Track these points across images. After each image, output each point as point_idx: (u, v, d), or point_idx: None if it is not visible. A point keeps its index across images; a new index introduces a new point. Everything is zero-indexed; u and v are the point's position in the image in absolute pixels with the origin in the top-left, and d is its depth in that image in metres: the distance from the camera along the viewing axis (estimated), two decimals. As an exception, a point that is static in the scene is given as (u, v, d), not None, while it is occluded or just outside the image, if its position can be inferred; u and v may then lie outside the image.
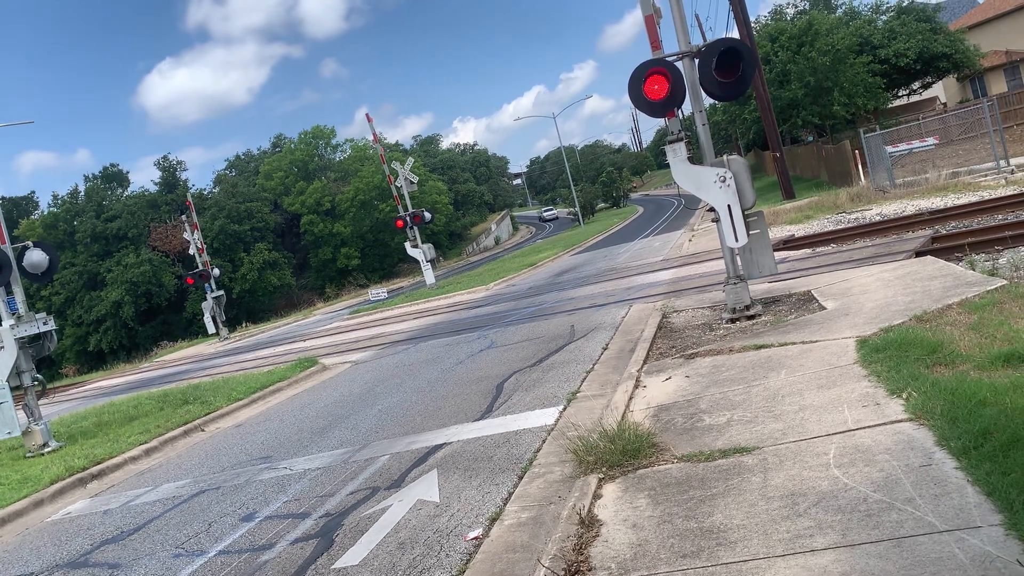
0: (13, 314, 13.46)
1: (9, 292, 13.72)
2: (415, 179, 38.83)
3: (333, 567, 5.66)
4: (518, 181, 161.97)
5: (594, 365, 10.49)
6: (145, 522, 8.29)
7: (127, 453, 11.88)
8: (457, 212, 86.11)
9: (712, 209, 10.58)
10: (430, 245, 39.13)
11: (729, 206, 10.11)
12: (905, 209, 20.75)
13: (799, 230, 21.93)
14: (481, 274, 38.87)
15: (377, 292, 42.09)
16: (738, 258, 10.83)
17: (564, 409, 8.49)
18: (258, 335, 39.86)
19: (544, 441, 7.49)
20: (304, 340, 27.89)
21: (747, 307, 10.76)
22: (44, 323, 13.70)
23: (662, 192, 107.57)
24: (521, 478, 6.60)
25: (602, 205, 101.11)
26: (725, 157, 10.41)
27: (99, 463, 11.42)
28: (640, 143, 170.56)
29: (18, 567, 7.80)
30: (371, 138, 46.33)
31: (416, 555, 5.51)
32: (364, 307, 36.73)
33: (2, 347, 13.19)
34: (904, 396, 5.84)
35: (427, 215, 38.36)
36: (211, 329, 41.19)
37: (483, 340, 15.67)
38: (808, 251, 17.31)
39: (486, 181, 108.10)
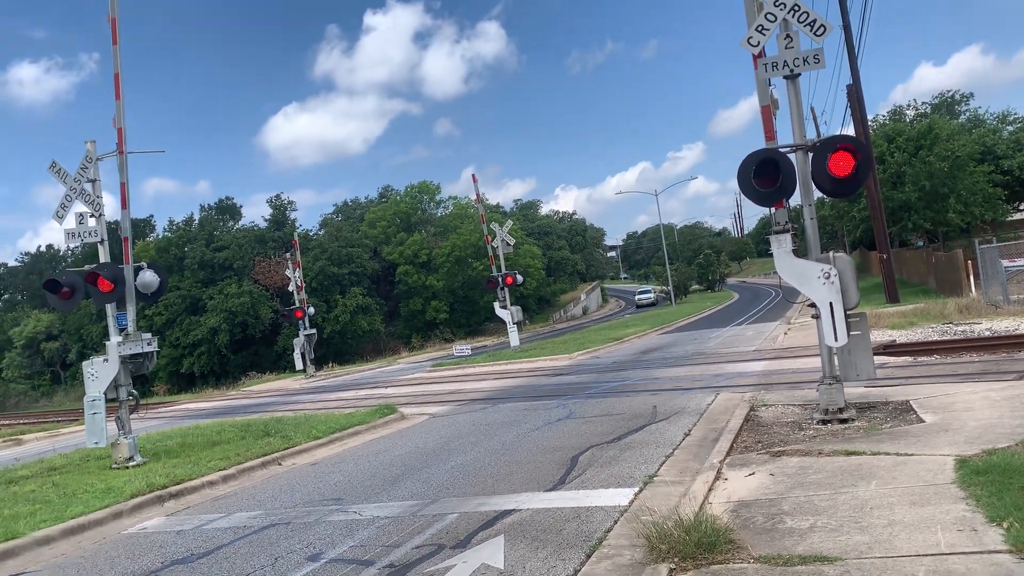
0: (122, 331, 14.17)
1: (121, 308, 14.48)
2: (512, 241, 39.44)
3: (392, 620, 5.63)
4: (612, 253, 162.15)
5: (674, 450, 10.25)
6: (214, 548, 8.46)
7: (206, 477, 12.20)
8: (548, 278, 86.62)
9: (812, 304, 10.33)
10: (518, 308, 39.44)
11: (831, 304, 9.86)
12: (1019, 327, 19.73)
13: (901, 336, 21.10)
14: (566, 342, 38.79)
15: (461, 348, 42.51)
16: (835, 358, 10.49)
17: (640, 491, 8.30)
18: (343, 376, 40.67)
19: (616, 522, 7.33)
20: (386, 387, 28.28)
21: (840, 410, 10.37)
22: (148, 344, 14.34)
23: (760, 280, 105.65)
24: (589, 556, 6.46)
25: (696, 287, 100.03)
26: (831, 254, 10.20)
27: (179, 483, 11.76)
28: (741, 229, 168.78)
29: (93, 575, 8.05)
30: (474, 197, 47.41)
31: (475, 620, 5.43)
32: (447, 361, 37.10)
33: (106, 360, 13.86)
34: (1005, 526, 5.49)
35: (519, 277, 38.81)
36: (299, 365, 42.31)
37: (562, 409, 15.56)
38: (909, 359, 16.62)
39: (581, 250, 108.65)
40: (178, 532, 9.49)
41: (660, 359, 24.34)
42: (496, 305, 38.43)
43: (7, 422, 37.63)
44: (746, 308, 56.22)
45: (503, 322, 42.35)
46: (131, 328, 14.16)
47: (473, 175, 54.38)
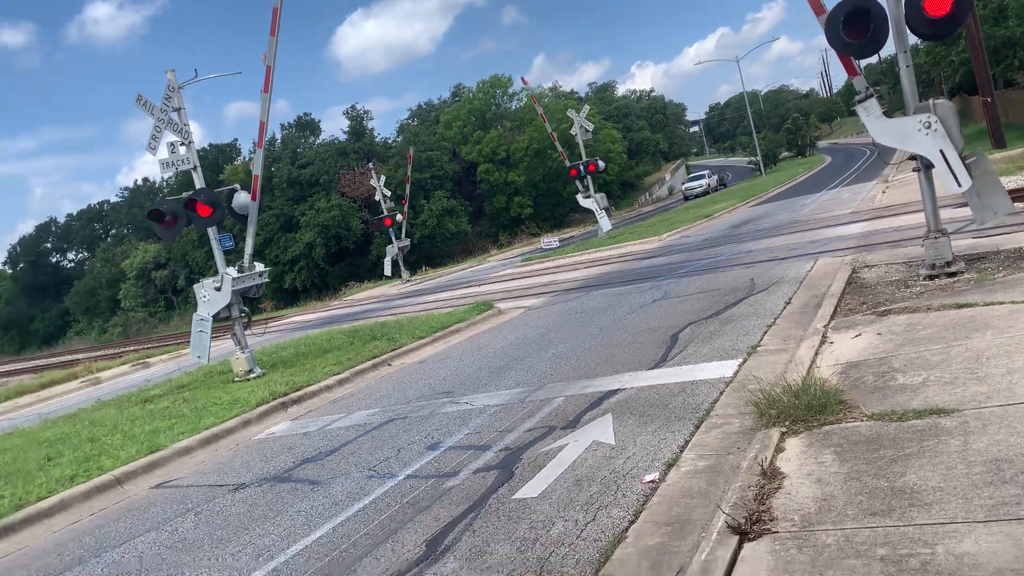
0: (228, 253, 14.75)
1: (222, 230, 15.07)
2: (590, 127, 38.65)
3: (513, 497, 5.93)
4: (695, 129, 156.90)
5: (776, 319, 10.16)
6: (340, 445, 9.00)
7: (322, 382, 12.86)
8: (630, 161, 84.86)
9: (913, 158, 9.85)
10: (603, 194, 38.99)
11: (942, 151, 9.32)
12: None
13: (1011, 182, 19.95)
14: (653, 224, 38.31)
15: (549, 241, 42.58)
16: (940, 211, 10.05)
17: (743, 362, 8.32)
18: (436, 278, 41.54)
19: (722, 393, 7.40)
20: (479, 285, 28.77)
21: (948, 263, 10.00)
22: (260, 276, 14.99)
23: (853, 140, 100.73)
24: (698, 427, 6.58)
25: (785, 154, 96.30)
26: (931, 101, 9.62)
27: (298, 389, 12.44)
28: (830, 88, 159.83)
29: (233, 477, 8.72)
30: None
31: (593, 492, 5.66)
32: (536, 255, 37.30)
33: (218, 288, 14.50)
34: None
35: (601, 164, 38.16)
36: (388, 272, 43.34)
37: (656, 291, 15.54)
38: (1019, 205, 15.75)
39: (662, 129, 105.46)
40: (304, 434, 10.11)
41: (753, 231, 23.83)
42: (579, 196, 38.03)
43: (133, 347, 40.20)
44: (840, 171, 53.97)
45: (588, 212, 42.06)
46: (246, 261, 14.74)
47: (523, 78, 53.05)
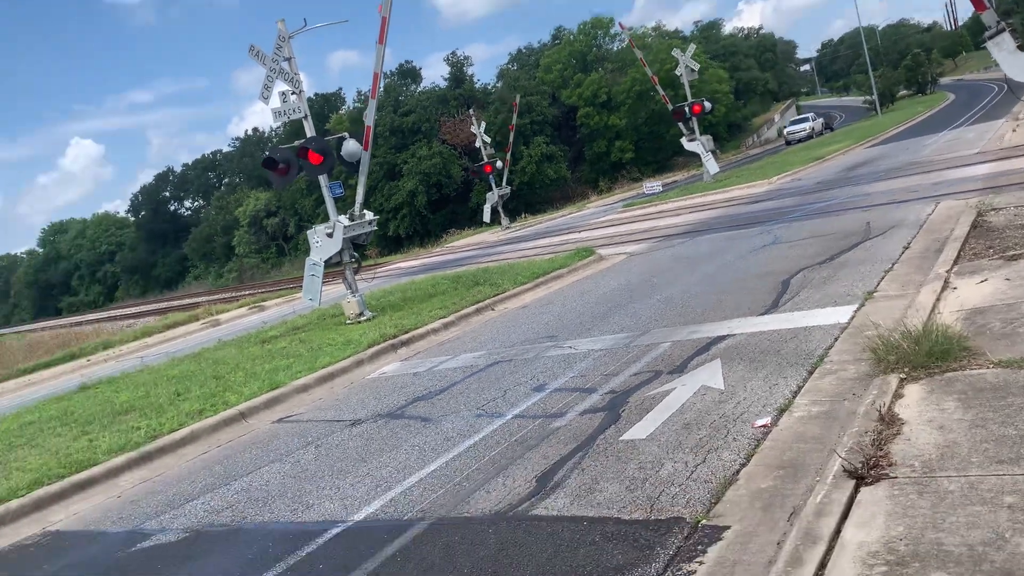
0: (338, 200, 15.17)
1: (332, 178, 15.50)
2: (695, 67, 37.49)
3: (621, 438, 5.99)
4: (806, 67, 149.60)
5: (894, 264, 9.76)
6: (448, 385, 9.26)
7: (429, 325, 13.19)
8: (737, 102, 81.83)
9: (1053, 91, 9.16)
10: (708, 136, 37.92)
11: (1087, 80, 8.67)
12: None
13: None
14: (762, 167, 37.09)
15: (651, 185, 41.82)
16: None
17: (860, 308, 8.05)
18: (536, 225, 41.59)
19: (836, 339, 7.21)
20: (579, 231, 28.66)
21: (1088, 205, 9.34)
22: (370, 223, 15.42)
23: (979, 76, 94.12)
24: (811, 374, 6.45)
25: (904, 92, 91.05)
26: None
27: (406, 332, 12.81)
28: (955, 20, 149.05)
29: (349, 413, 9.12)
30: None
31: (702, 436, 5.66)
32: (637, 200, 36.77)
33: (330, 234, 14.97)
34: None
35: (707, 105, 37.01)
36: (487, 219, 43.62)
37: (766, 235, 15.13)
38: None
39: (771, 68, 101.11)
40: (414, 374, 10.44)
41: (869, 173, 22.77)
42: (684, 139, 37.09)
43: (248, 292, 42.15)
44: (964, 109, 50.69)
45: (692, 156, 40.98)
46: (357, 209, 15.16)
47: (620, 23, 51.32)
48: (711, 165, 35.88)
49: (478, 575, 4.44)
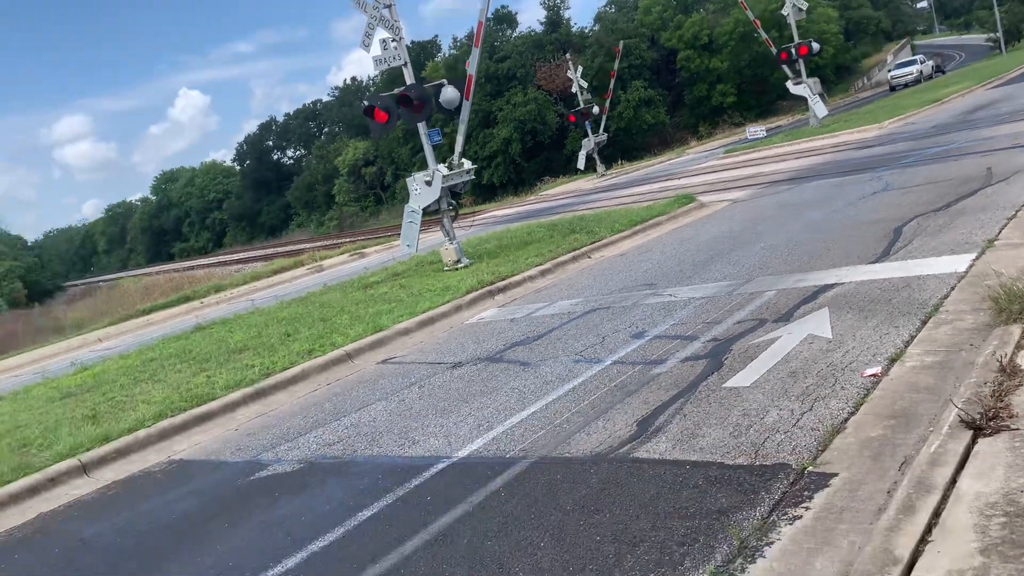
0: (436, 147, 15.32)
1: (430, 125, 15.64)
2: (803, 6, 35.71)
3: (724, 385, 5.96)
4: (923, 4, 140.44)
5: (1017, 211, 9.22)
6: (546, 331, 9.35)
7: (525, 272, 13.29)
8: (847, 43, 77.74)
9: None
10: (815, 79, 36.29)
11: None
12: None
13: None
14: (872, 111, 35.31)
15: (754, 130, 40.47)
16: None
17: (978, 256, 7.67)
18: (633, 172, 41.00)
19: (953, 288, 6.91)
20: (678, 178, 28.10)
21: None
22: (468, 172, 15.55)
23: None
24: (924, 323, 6.22)
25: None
26: None
27: (503, 279, 12.95)
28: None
29: (449, 356, 9.35)
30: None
31: (809, 384, 5.56)
32: (740, 146, 35.68)
33: (428, 182, 15.17)
34: None
35: (815, 46, 35.31)
36: (581, 166, 43.19)
37: (876, 182, 14.50)
38: None
39: (884, 6, 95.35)
40: (511, 320, 10.58)
41: (990, 117, 21.41)
42: (789, 83, 35.56)
43: (348, 239, 43.31)
44: (1103, 45, 46.78)
45: (797, 100, 39.36)
46: (456, 158, 15.31)
47: None
48: (819, 109, 34.33)
49: (581, 512, 4.54)
